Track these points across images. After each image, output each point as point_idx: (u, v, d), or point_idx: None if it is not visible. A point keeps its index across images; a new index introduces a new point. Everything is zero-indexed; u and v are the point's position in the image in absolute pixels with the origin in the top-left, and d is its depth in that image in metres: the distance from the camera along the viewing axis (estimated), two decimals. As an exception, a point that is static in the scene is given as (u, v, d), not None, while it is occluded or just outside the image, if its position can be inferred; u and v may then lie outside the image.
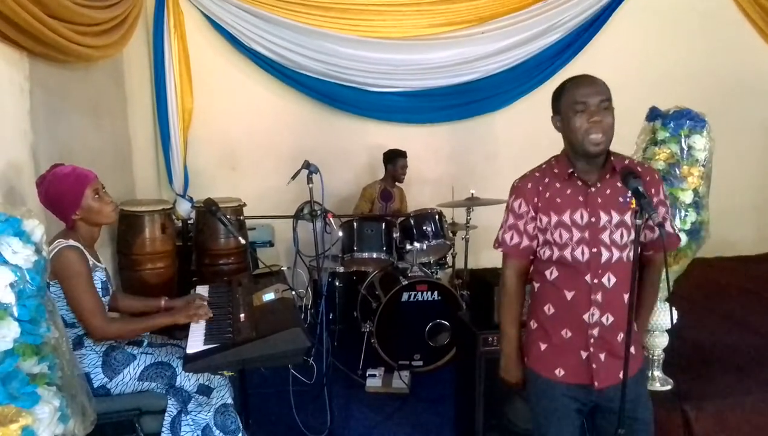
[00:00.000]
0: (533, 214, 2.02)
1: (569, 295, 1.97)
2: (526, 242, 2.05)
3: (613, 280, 1.93)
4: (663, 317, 2.95)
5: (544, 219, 1.99)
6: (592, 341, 1.95)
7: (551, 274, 2.01)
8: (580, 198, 1.94)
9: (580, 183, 1.96)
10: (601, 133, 1.86)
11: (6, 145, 2.78)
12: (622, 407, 1.83)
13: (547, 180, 2.01)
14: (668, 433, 2.78)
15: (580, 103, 1.88)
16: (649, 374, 3.01)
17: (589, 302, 1.94)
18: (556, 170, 2.01)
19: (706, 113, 2.87)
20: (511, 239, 2.08)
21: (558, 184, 1.98)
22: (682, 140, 2.80)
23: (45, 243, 1.74)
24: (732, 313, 4.28)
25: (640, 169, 1.95)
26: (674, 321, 2.41)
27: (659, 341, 3.04)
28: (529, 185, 2.03)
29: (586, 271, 1.93)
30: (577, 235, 1.93)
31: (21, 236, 1.62)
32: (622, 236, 1.91)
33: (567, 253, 1.95)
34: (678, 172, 2.79)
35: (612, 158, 1.96)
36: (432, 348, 4.16)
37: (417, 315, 4.13)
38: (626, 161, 1.99)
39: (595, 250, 1.92)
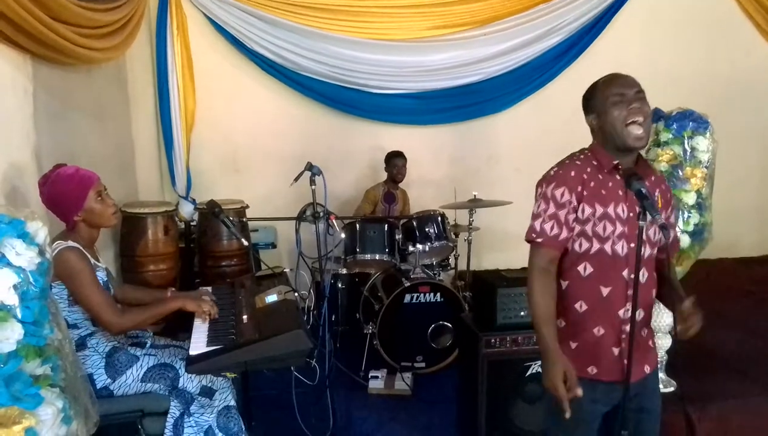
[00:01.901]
0: (576, 204, 1.94)
1: (605, 290, 1.94)
2: (565, 233, 1.95)
3: (646, 275, 1.94)
4: (666, 318, 2.95)
5: (587, 210, 1.93)
6: (623, 336, 1.93)
7: (585, 269, 1.96)
8: (620, 192, 1.94)
9: (619, 177, 1.94)
10: (642, 120, 1.88)
11: (9, 147, 2.79)
12: (624, 406, 1.83)
13: (589, 170, 1.97)
14: (671, 435, 2.77)
15: (618, 95, 1.90)
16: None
17: (625, 298, 1.92)
18: (595, 162, 1.98)
19: (709, 115, 2.88)
20: (551, 229, 1.95)
21: (600, 176, 1.96)
22: (685, 142, 2.80)
23: (48, 245, 1.74)
24: (735, 315, 4.28)
25: (658, 175, 2.06)
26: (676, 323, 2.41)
27: (662, 343, 3.04)
28: (573, 173, 1.96)
29: (625, 266, 1.92)
30: (619, 228, 1.92)
31: (24, 238, 1.62)
32: (655, 232, 1.94)
33: (608, 246, 1.93)
34: (681, 173, 2.79)
35: (643, 158, 2.01)
36: (434, 350, 4.16)
37: (419, 317, 4.13)
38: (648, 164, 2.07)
39: (633, 245, 1.90)
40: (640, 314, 1.93)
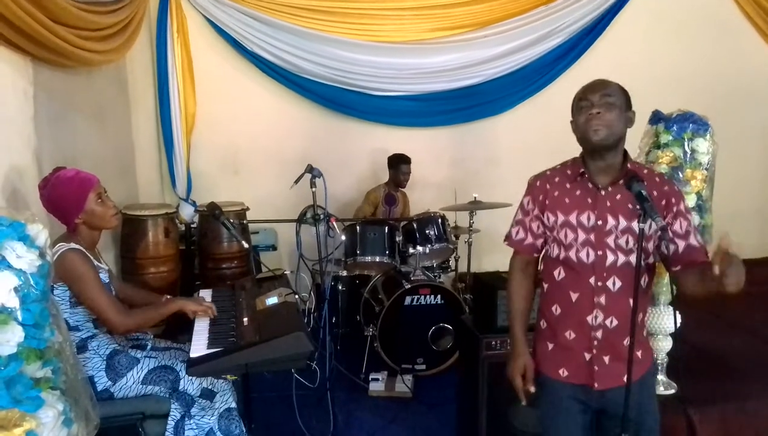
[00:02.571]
0: (538, 212, 2.05)
1: (574, 296, 1.97)
2: (530, 239, 2.10)
3: (618, 284, 1.92)
4: (667, 320, 2.94)
5: (551, 218, 2.00)
6: (595, 343, 1.95)
7: (558, 274, 2.02)
8: (589, 200, 1.95)
9: (590, 185, 1.96)
10: (601, 124, 1.87)
11: (10, 150, 2.79)
12: (625, 412, 1.82)
13: (557, 179, 2.03)
14: (672, 437, 2.77)
15: (583, 100, 1.92)
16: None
17: (592, 305, 1.94)
18: (569, 171, 2.02)
19: (709, 116, 2.87)
20: (517, 233, 2.14)
21: (568, 185, 2.00)
22: (685, 144, 2.79)
23: (49, 247, 1.74)
24: (736, 317, 4.26)
25: (658, 179, 1.98)
26: (678, 325, 2.40)
27: (663, 345, 3.03)
28: (538, 183, 2.07)
29: (591, 273, 1.93)
30: (582, 236, 1.94)
31: (25, 241, 1.62)
32: (627, 241, 1.91)
33: (572, 254, 1.96)
34: (681, 175, 2.79)
35: (629, 165, 1.96)
36: (435, 352, 4.16)
37: (420, 319, 4.13)
38: (645, 171, 2.00)
39: (600, 253, 1.92)
40: (612, 322, 1.93)
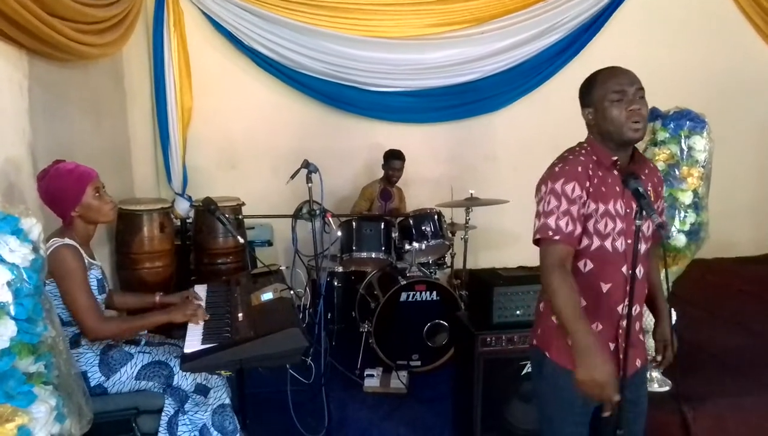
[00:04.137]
0: (585, 199, 1.90)
1: (605, 287, 1.93)
2: (579, 229, 1.89)
3: (642, 271, 1.94)
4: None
5: (592, 206, 1.90)
6: (620, 332, 1.94)
7: (585, 265, 1.94)
8: (617, 188, 1.92)
9: (616, 173, 1.93)
10: (641, 121, 1.86)
11: (4, 144, 2.77)
12: (622, 406, 1.82)
13: (591, 166, 1.94)
14: (666, 434, 2.78)
15: (617, 93, 1.87)
16: (648, 375, 3.01)
17: (624, 293, 1.92)
18: (594, 157, 1.94)
19: (706, 114, 2.88)
20: (567, 225, 1.87)
21: (600, 173, 1.94)
22: (682, 141, 2.80)
23: (42, 242, 1.73)
24: (730, 314, 4.28)
25: (652, 166, 2.05)
26: (673, 322, 2.41)
27: (658, 342, 3.03)
28: (580, 169, 1.91)
29: (623, 262, 1.92)
30: (619, 225, 1.91)
31: (18, 235, 1.61)
32: (649, 227, 1.93)
33: (608, 243, 1.91)
34: (678, 173, 2.80)
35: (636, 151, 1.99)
36: (430, 348, 4.16)
37: (415, 315, 4.13)
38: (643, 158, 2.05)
39: (630, 241, 1.89)
40: (636, 310, 1.94)
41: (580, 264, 1.95)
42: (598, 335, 1.92)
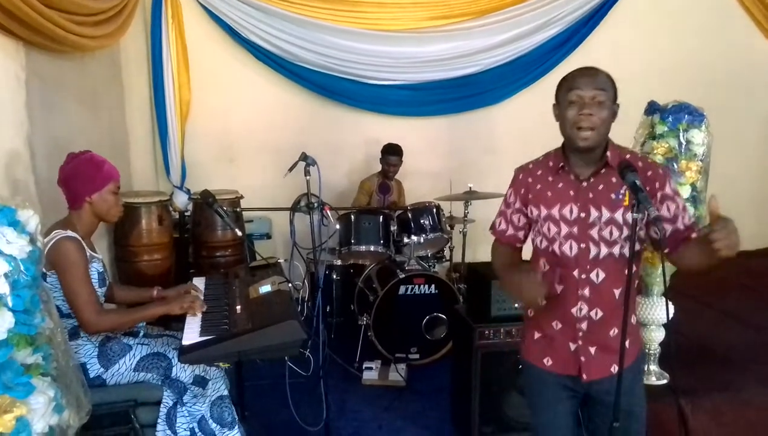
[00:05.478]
0: (520, 205, 2.05)
1: (559, 288, 1.96)
2: (511, 230, 2.11)
3: (602, 275, 1.91)
4: (660, 311, 2.95)
5: (534, 211, 2.00)
6: (580, 334, 1.95)
7: (544, 265, 2.01)
8: (571, 192, 1.92)
9: (572, 177, 1.94)
10: (590, 128, 1.82)
11: (2, 136, 2.77)
12: (617, 400, 1.82)
13: (539, 172, 2.01)
14: (664, 427, 2.79)
15: (573, 95, 1.86)
16: (646, 369, 3.02)
17: (576, 297, 1.93)
18: (550, 163, 1.99)
19: (705, 108, 2.87)
20: (499, 224, 2.15)
21: (550, 178, 1.97)
22: (681, 135, 2.79)
23: (40, 233, 1.73)
24: (729, 308, 4.29)
25: (641, 164, 1.90)
26: (671, 316, 2.41)
27: (656, 336, 3.04)
28: (521, 176, 2.06)
29: (574, 266, 1.92)
30: (565, 229, 1.92)
31: (15, 226, 1.61)
32: (611, 232, 1.88)
33: (555, 247, 1.95)
34: (676, 166, 2.79)
35: (609, 154, 1.90)
36: (429, 341, 4.16)
37: (414, 308, 4.13)
38: (627, 155, 1.93)
39: (583, 245, 1.90)
40: (597, 314, 1.92)
41: (541, 263, 2.02)
42: (558, 333, 1.99)
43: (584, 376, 1.95)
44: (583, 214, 1.90)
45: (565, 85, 1.92)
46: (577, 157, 1.93)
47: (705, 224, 2.88)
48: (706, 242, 1.66)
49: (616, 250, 1.89)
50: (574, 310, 1.94)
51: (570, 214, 1.91)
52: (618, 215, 1.87)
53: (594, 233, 1.89)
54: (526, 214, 2.04)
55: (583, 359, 1.95)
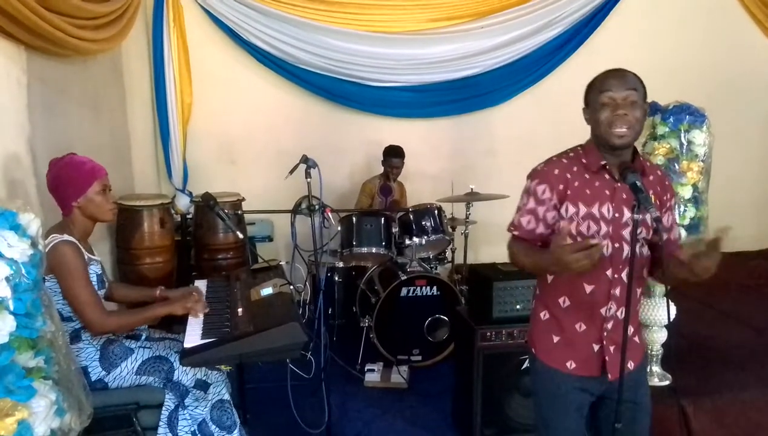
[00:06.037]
0: (557, 202, 1.95)
1: (588, 288, 1.95)
2: (541, 228, 1.98)
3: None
4: (661, 312, 2.95)
5: (571, 209, 1.93)
6: (605, 334, 1.96)
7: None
8: (607, 192, 1.93)
9: (608, 177, 1.94)
10: (626, 126, 1.85)
11: (4, 139, 2.78)
12: (619, 399, 1.84)
13: (575, 169, 1.97)
14: (666, 428, 2.78)
15: (606, 97, 1.88)
16: (648, 369, 3.02)
17: (608, 297, 1.93)
18: (584, 160, 1.97)
19: (706, 108, 2.87)
20: (528, 223, 1.99)
21: (587, 176, 1.95)
22: (682, 135, 2.80)
23: (41, 237, 1.73)
24: (731, 309, 4.28)
25: (659, 172, 2.04)
26: (673, 317, 2.41)
27: (657, 337, 3.04)
28: (556, 172, 1.97)
29: (608, 265, 1.92)
30: (603, 228, 1.92)
31: (17, 230, 1.61)
32: (641, 232, 1.91)
33: None
34: (677, 167, 2.79)
35: (640, 157, 1.98)
36: (431, 343, 4.16)
37: (416, 310, 4.13)
38: (648, 164, 2.02)
39: (617, 245, 1.91)
40: (623, 313, 1.92)
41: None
42: (582, 335, 1.98)
43: (610, 375, 1.95)
44: (617, 214, 1.91)
45: (596, 87, 1.93)
46: (612, 158, 1.94)
47: (706, 224, 2.89)
48: (689, 264, 1.80)
49: (644, 250, 1.95)
50: (603, 309, 1.94)
51: (608, 214, 1.92)
52: (647, 217, 1.88)
53: (626, 233, 1.91)
54: (560, 210, 1.95)
55: (607, 358, 1.95)
